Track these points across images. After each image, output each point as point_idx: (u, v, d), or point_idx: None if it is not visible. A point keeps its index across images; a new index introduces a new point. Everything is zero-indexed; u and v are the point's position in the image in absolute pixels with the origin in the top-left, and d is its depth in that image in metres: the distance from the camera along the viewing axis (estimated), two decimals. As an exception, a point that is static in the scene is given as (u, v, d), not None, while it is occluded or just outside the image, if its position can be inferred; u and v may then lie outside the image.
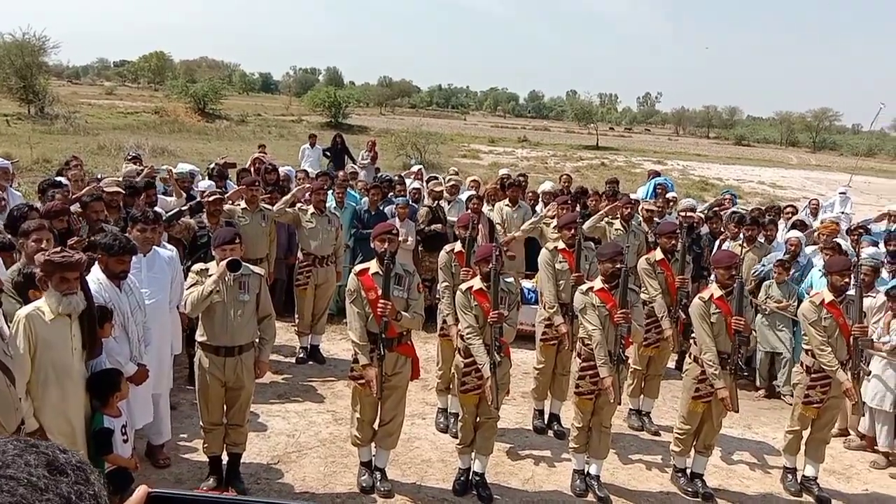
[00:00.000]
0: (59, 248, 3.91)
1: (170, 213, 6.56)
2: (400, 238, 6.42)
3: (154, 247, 5.21)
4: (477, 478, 5.13)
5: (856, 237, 8.43)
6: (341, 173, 10.16)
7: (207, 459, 5.00)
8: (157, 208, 6.54)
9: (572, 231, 6.10)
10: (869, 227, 9.69)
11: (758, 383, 7.62)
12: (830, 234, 7.95)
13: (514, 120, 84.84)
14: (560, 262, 6.10)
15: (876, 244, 8.02)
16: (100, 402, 4.07)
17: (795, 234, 7.89)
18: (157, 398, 5.09)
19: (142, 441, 5.19)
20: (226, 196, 7.45)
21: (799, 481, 5.54)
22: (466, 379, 5.01)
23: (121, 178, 7.59)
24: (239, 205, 7.40)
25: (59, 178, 7.54)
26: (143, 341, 4.57)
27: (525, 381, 6.93)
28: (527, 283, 8.06)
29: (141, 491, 0.92)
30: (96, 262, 4.42)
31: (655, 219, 8.18)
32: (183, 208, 7.14)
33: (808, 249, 8.02)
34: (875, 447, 6.25)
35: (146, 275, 5.03)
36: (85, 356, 3.95)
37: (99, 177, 8.48)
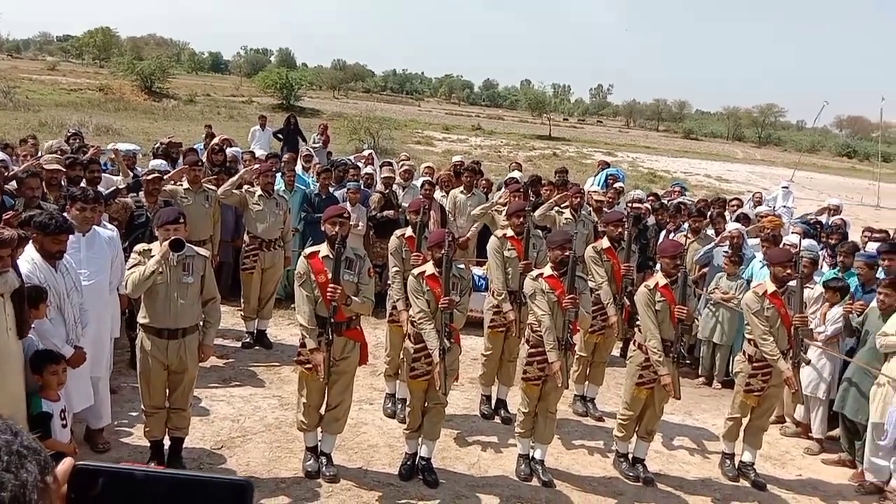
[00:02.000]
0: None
1: (107, 192, 6.37)
2: (351, 223, 6.37)
3: (94, 226, 5.05)
4: (423, 462, 5.14)
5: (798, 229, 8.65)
6: (287, 156, 9.98)
7: (149, 444, 4.89)
8: (99, 187, 6.35)
9: (521, 219, 6.13)
10: (807, 221, 9.99)
11: (699, 372, 7.81)
12: (774, 227, 8.16)
13: (468, 108, 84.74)
14: (509, 249, 6.13)
15: (807, 231, 8.23)
16: (38, 385, 3.95)
17: (735, 226, 8.07)
18: (97, 381, 4.95)
19: (80, 425, 5.05)
20: (168, 175, 7.27)
21: (737, 467, 5.70)
22: (416, 364, 5.01)
23: (48, 154, 7.31)
24: (181, 185, 7.22)
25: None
26: (79, 323, 4.43)
27: (473, 367, 6.96)
28: (477, 270, 8.08)
29: (66, 463, 0.89)
30: (30, 241, 4.26)
31: (604, 209, 8.29)
32: (120, 186, 6.95)
33: (752, 242, 8.22)
34: (809, 434, 6.48)
35: (85, 255, 4.88)
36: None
37: (39, 154, 8.18)
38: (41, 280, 4.10)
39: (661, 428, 5.86)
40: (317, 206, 8.40)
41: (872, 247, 7.48)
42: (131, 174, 7.86)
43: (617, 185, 10.46)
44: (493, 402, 6.41)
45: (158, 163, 7.81)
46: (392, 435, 5.75)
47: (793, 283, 5.41)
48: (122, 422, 5.47)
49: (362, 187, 9.00)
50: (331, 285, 4.66)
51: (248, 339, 7.44)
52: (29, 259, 4.14)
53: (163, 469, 0.93)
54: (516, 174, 10.25)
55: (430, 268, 5.00)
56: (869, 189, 29.08)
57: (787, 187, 13.94)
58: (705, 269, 7.98)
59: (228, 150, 9.68)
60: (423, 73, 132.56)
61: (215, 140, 10.58)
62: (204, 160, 8.40)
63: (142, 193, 6.73)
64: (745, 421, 5.65)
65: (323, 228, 4.97)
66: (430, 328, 4.85)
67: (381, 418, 6.08)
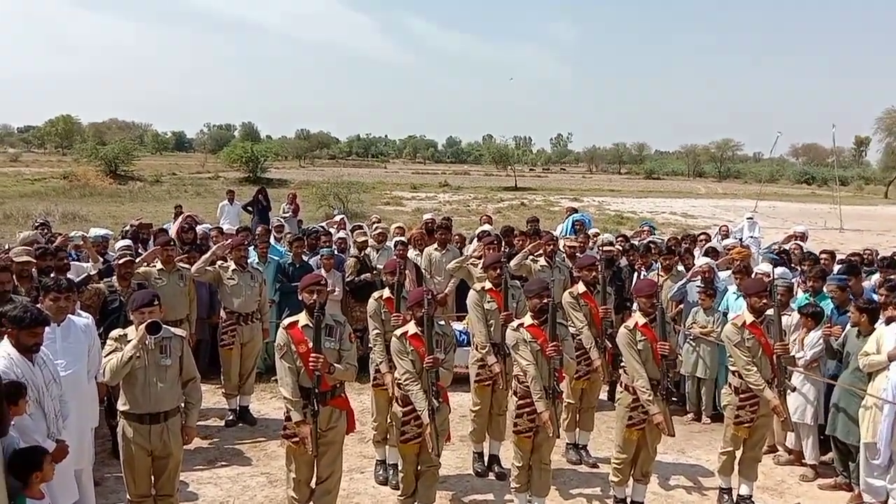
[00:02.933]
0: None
1: (78, 279, 6.30)
2: (327, 289, 6.35)
3: (69, 315, 4.98)
4: (421, 528, 5.03)
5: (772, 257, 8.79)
6: (260, 227, 9.99)
7: (136, 536, 4.73)
8: (69, 275, 6.27)
9: (498, 271, 6.17)
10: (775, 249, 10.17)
11: (687, 408, 7.81)
12: (743, 258, 8.29)
13: (434, 166, 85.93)
14: (489, 301, 6.14)
15: (778, 262, 8.38)
16: (21, 484, 3.81)
17: (705, 260, 8.20)
18: (80, 474, 4.80)
19: (63, 523, 4.87)
20: (140, 258, 7.23)
21: (735, 501, 5.66)
22: (406, 428, 4.95)
23: (20, 246, 7.24)
24: (155, 266, 7.18)
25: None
26: (60, 416, 4.31)
27: (462, 424, 6.88)
28: (458, 326, 8.07)
29: None
30: (5, 337, 4.18)
31: (577, 254, 8.37)
32: (91, 273, 6.88)
33: (723, 274, 8.34)
34: (803, 461, 6.47)
35: (61, 345, 4.79)
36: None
37: (7, 247, 8.09)
38: (18, 375, 4.01)
39: (656, 468, 5.82)
40: (291, 276, 8.37)
41: (837, 269, 7.64)
42: (101, 259, 7.79)
43: (592, 231, 10.59)
44: (486, 458, 6.33)
45: (124, 243, 7.78)
46: (386, 503, 5.63)
47: (770, 311, 5.48)
48: (107, 514, 5.30)
49: (336, 252, 9.00)
50: (313, 355, 4.62)
51: (231, 417, 7.30)
52: (5, 354, 4.05)
53: None
54: (487, 227, 10.35)
55: (412, 328, 4.99)
56: (830, 213, 29.78)
57: (751, 218, 14.20)
58: (681, 306, 8.05)
59: (198, 228, 9.66)
60: (386, 135, 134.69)
61: (180, 219, 10.57)
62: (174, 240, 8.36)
63: (114, 278, 6.66)
64: (738, 454, 5.64)
65: (300, 297, 4.95)
66: (418, 389, 4.81)
67: (374, 486, 5.96)
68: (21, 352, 4.11)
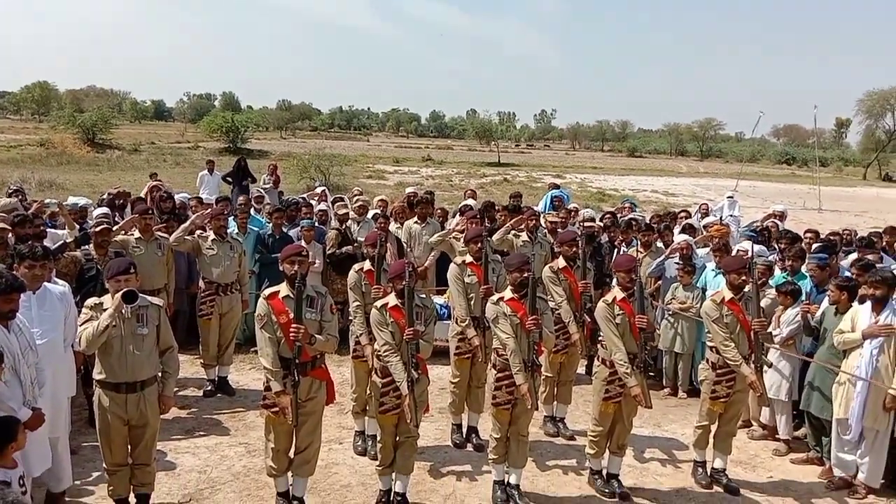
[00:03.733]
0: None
1: (54, 247, 6.21)
2: (309, 262, 6.32)
3: (44, 283, 4.91)
4: (398, 498, 5.07)
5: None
6: (242, 198, 9.91)
7: (113, 503, 4.73)
8: (45, 243, 6.18)
9: (479, 245, 6.17)
10: (757, 227, 10.27)
11: (664, 383, 7.91)
12: (722, 236, 8.36)
13: (417, 140, 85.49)
14: (469, 275, 6.15)
15: (752, 238, 8.45)
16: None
17: (683, 237, 8.26)
18: (55, 442, 4.77)
19: (40, 490, 4.86)
20: (118, 226, 7.14)
21: (709, 474, 5.75)
22: (385, 399, 4.96)
23: (6, 215, 7.14)
24: (132, 234, 7.10)
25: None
26: (36, 384, 4.27)
27: (442, 396, 6.92)
28: (438, 299, 8.09)
29: None
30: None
31: (559, 229, 8.39)
32: (68, 241, 6.79)
33: (702, 252, 8.41)
34: (776, 436, 6.59)
35: (37, 313, 4.73)
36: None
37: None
38: (-8, 342, 3.96)
39: (632, 441, 5.89)
40: (271, 247, 8.33)
41: (815, 248, 7.72)
42: (78, 227, 7.69)
43: (571, 206, 10.61)
44: (465, 430, 6.37)
45: (102, 211, 7.67)
46: (364, 473, 5.66)
47: (748, 288, 5.53)
48: (84, 483, 5.28)
49: (316, 224, 8.96)
50: (294, 325, 4.60)
51: (209, 387, 7.28)
52: (-22, 321, 3.99)
53: None
54: (470, 201, 10.34)
55: (392, 299, 4.98)
56: (810, 193, 30.07)
57: (731, 197, 14.33)
58: (659, 282, 8.12)
59: (176, 196, 9.56)
60: (369, 108, 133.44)
61: (145, 188, 10.48)
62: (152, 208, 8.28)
63: (91, 246, 6.58)
64: (713, 428, 5.72)
65: (281, 268, 4.91)
66: (397, 360, 4.82)
67: (353, 457, 5.99)
68: (-5, 318, 4.05)
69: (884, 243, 8.81)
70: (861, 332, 5.53)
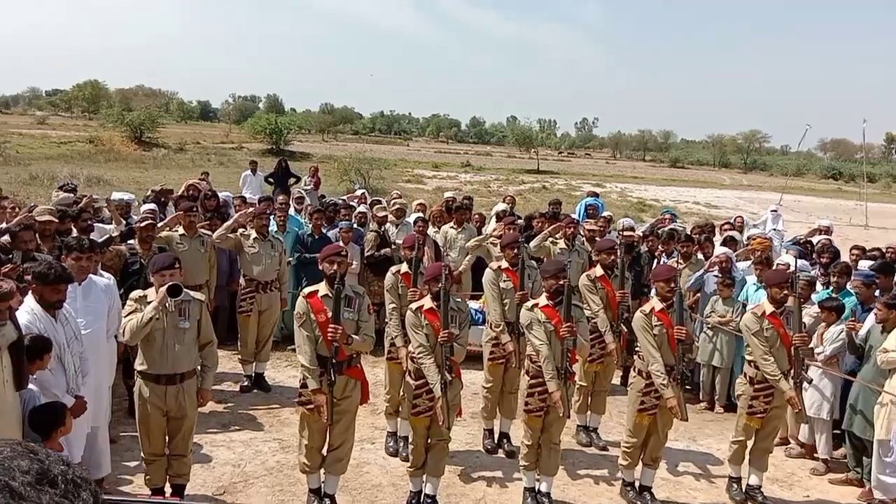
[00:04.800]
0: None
1: (101, 240, 6.38)
2: (348, 262, 6.38)
3: (90, 275, 5.05)
4: (429, 500, 5.08)
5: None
6: (281, 197, 10.03)
7: (150, 492, 4.83)
8: (92, 236, 6.35)
9: (516, 250, 6.17)
10: (801, 240, 10.07)
11: (700, 396, 7.80)
12: (763, 249, 8.22)
13: (456, 145, 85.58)
14: (505, 281, 6.15)
15: (799, 253, 8.29)
16: (41, 437, 3.89)
17: (723, 250, 8.14)
18: (96, 431, 4.90)
19: (79, 477, 4.97)
20: (162, 223, 7.30)
21: (744, 490, 5.66)
22: (417, 401, 4.98)
23: (53, 207, 7.36)
24: (177, 231, 7.25)
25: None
26: (80, 372, 4.40)
27: (474, 401, 6.92)
28: (473, 304, 8.09)
29: None
30: (29, 292, 4.25)
31: (597, 238, 8.34)
32: (114, 234, 6.96)
33: (742, 265, 8.28)
34: (814, 455, 6.44)
35: (82, 304, 4.86)
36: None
37: (31, 206, 8.20)
38: (41, 330, 4.08)
39: (666, 455, 5.82)
40: (310, 247, 8.42)
41: (864, 264, 7.54)
42: (124, 222, 7.88)
43: (607, 213, 10.54)
44: (496, 436, 6.37)
45: (148, 207, 7.85)
46: (395, 474, 5.69)
47: (790, 303, 5.44)
48: (122, 471, 5.40)
49: (355, 226, 9.04)
50: (332, 325, 4.66)
51: (246, 383, 7.39)
52: (28, 310, 4.13)
53: (182, 502, 0.93)
54: (502, 206, 10.34)
55: (428, 302, 5.01)
56: (856, 209, 29.32)
57: (776, 210, 14.07)
58: (697, 295, 8.01)
59: (221, 195, 9.73)
60: (410, 113, 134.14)
61: (183, 186, 10.65)
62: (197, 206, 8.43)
63: (136, 241, 6.74)
64: (749, 444, 5.62)
65: (321, 267, 4.98)
66: (431, 362, 4.84)
67: (384, 457, 6.03)
68: (44, 308, 4.19)
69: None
70: (907, 351, 5.39)
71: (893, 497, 5.52)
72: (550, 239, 7.74)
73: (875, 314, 5.93)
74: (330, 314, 4.70)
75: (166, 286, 4.52)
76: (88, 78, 76.67)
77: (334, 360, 4.72)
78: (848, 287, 6.92)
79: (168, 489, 4.84)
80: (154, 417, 4.66)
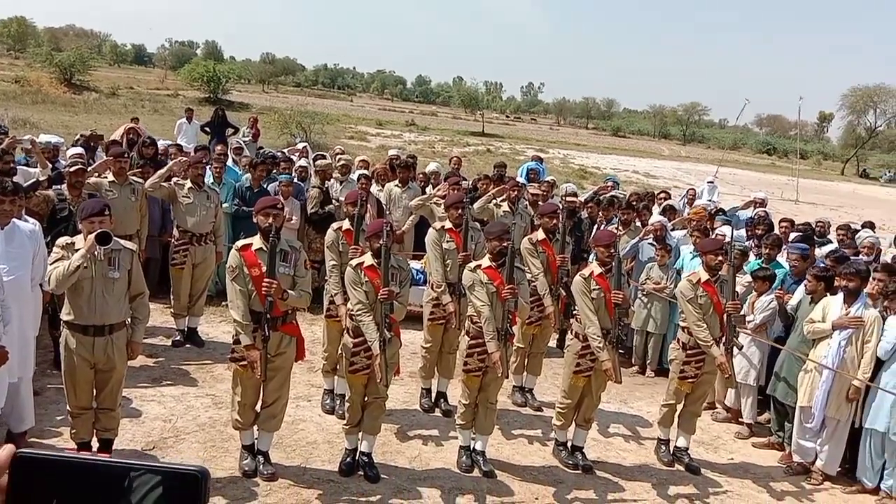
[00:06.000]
0: None
1: (27, 184, 6.06)
2: (284, 216, 6.23)
3: (13, 220, 4.79)
4: (364, 458, 5.07)
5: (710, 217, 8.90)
6: (220, 147, 9.72)
7: (75, 446, 4.67)
8: (16, 179, 6.02)
9: (459, 210, 6.12)
10: (737, 213, 10.35)
11: (633, 361, 7.99)
12: (700, 219, 8.41)
13: (401, 104, 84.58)
14: (447, 241, 6.11)
15: (729, 223, 8.53)
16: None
17: (658, 218, 8.29)
18: (19, 382, 4.70)
19: (1, 429, 4.78)
20: (91, 168, 6.97)
21: (672, 452, 5.84)
22: (355, 359, 4.92)
23: None
24: (106, 177, 6.93)
25: None
26: (1, 321, 4.19)
27: (413, 361, 6.92)
28: (415, 264, 8.04)
29: (6, 450, 0.81)
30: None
31: (540, 202, 8.36)
32: (41, 178, 6.62)
33: (677, 234, 8.45)
34: (739, 419, 6.69)
35: (4, 249, 4.62)
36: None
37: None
38: (-45, 275, 3.86)
39: (598, 416, 5.94)
40: (248, 200, 8.19)
41: (793, 237, 7.79)
42: (51, 166, 7.50)
43: (549, 178, 10.58)
44: (434, 395, 6.39)
45: (77, 151, 7.50)
46: (331, 431, 5.66)
47: (724, 272, 5.57)
48: (46, 424, 5.20)
49: (295, 180, 8.83)
50: (266, 279, 4.54)
51: (178, 338, 7.20)
52: (-58, 254, 3.89)
53: (110, 457, 0.85)
54: (433, 166, 10.29)
55: (368, 259, 4.93)
56: (788, 184, 30.31)
57: (712, 182, 14.44)
58: (633, 263, 8.16)
59: (158, 143, 9.37)
60: (354, 68, 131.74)
61: (120, 129, 10.24)
62: (135, 155, 8.12)
63: (64, 186, 6.42)
64: (679, 407, 5.79)
65: (255, 220, 4.84)
66: (370, 320, 4.78)
67: (320, 415, 5.98)
68: (-39, 252, 3.94)
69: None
70: (831, 322, 5.60)
71: (810, 460, 5.79)
72: (494, 201, 7.72)
73: (805, 285, 6.14)
74: (264, 268, 4.58)
75: (95, 233, 4.31)
76: (14, 14, 72.48)
77: (269, 316, 4.61)
78: (779, 259, 7.14)
79: (95, 444, 4.69)
80: (81, 370, 4.48)
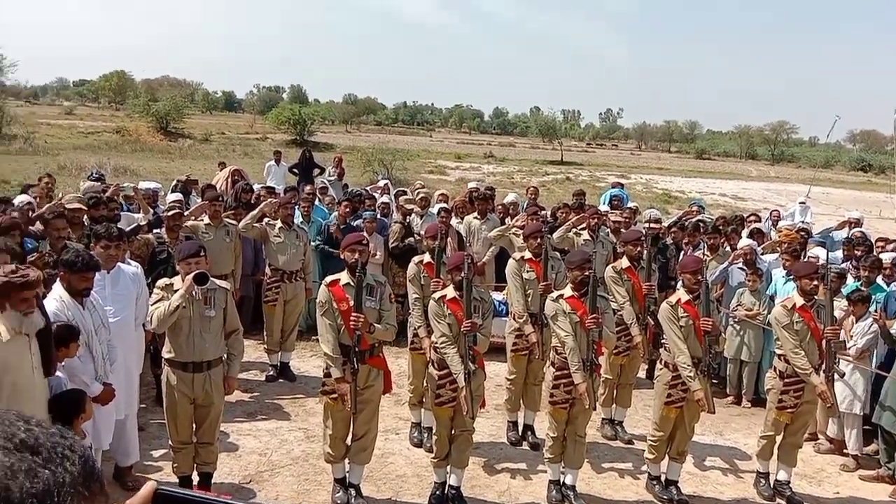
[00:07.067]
0: (14, 267, 3.77)
1: (128, 229, 6.44)
2: (369, 251, 6.37)
3: (118, 263, 5.10)
4: (453, 492, 5.07)
5: (803, 240, 8.54)
6: (309, 188, 10.07)
7: (177, 480, 4.87)
8: (120, 225, 6.41)
9: (538, 240, 6.12)
10: (831, 234, 9.92)
11: (728, 391, 7.70)
12: (791, 241, 8.09)
13: (479, 136, 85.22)
14: (527, 271, 6.11)
15: (822, 244, 8.17)
16: (62, 425, 3.91)
17: (747, 242, 8.02)
18: (125, 418, 4.96)
19: (109, 463, 5.05)
20: (188, 212, 7.35)
21: (772, 486, 5.58)
22: (441, 391, 4.97)
23: (82, 195, 7.44)
24: (202, 220, 7.30)
25: (17, 197, 7.40)
26: (107, 359, 4.44)
27: (498, 393, 6.90)
28: (497, 295, 8.05)
29: (149, 487, 0.90)
30: (58, 280, 4.30)
31: (622, 229, 8.26)
32: (141, 223, 7.03)
33: (768, 258, 8.15)
34: (844, 450, 6.34)
35: (110, 292, 4.91)
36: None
37: (61, 195, 8.31)
38: (69, 318, 4.13)
39: (693, 449, 5.76)
40: (334, 238, 8.43)
41: (886, 256, 7.40)
42: (152, 211, 7.95)
43: (631, 204, 10.44)
44: (520, 427, 6.34)
45: (176, 196, 7.92)
46: (420, 464, 5.69)
47: (821, 296, 5.34)
48: (149, 459, 5.46)
49: (378, 216, 9.04)
50: (353, 313, 4.66)
51: (271, 373, 7.44)
52: (57, 297, 4.17)
53: (233, 499, 0.92)
54: (511, 196, 10.30)
55: (450, 291, 4.99)
56: (886, 202, 28.77)
57: (804, 203, 13.87)
58: (723, 289, 7.91)
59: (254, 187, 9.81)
60: (433, 103, 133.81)
61: (225, 171, 10.71)
62: (230, 199, 8.54)
63: (163, 229, 6.80)
64: (778, 439, 5.54)
65: (342, 256, 4.99)
66: (454, 352, 4.82)
67: (408, 448, 6.03)
68: (72, 295, 4.23)
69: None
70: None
71: (926, 494, 5.42)
72: (574, 230, 7.67)
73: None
74: (352, 303, 4.70)
75: (192, 274, 4.54)
76: (115, 69, 77.33)
77: (357, 349, 4.72)
78: (878, 281, 6.79)
79: (195, 477, 4.88)
80: (181, 405, 4.70)
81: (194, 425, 4.82)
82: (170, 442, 4.85)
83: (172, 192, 9.26)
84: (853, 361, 6.16)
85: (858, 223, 10.47)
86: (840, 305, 6.42)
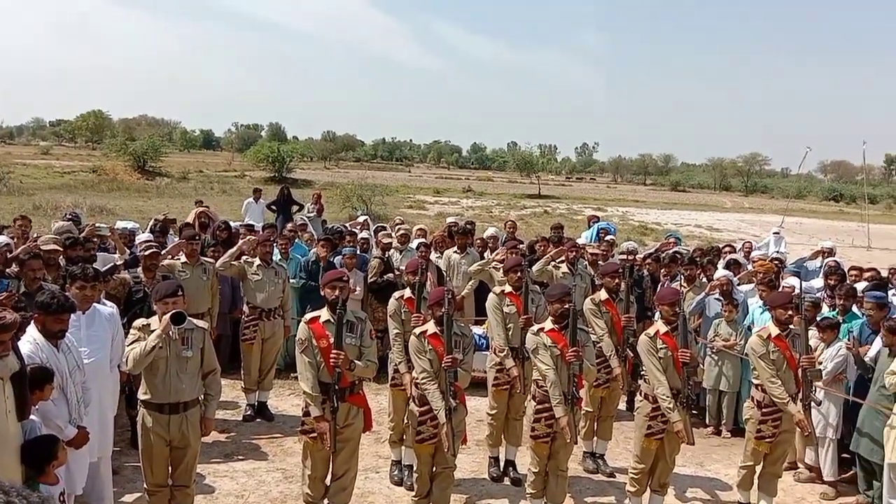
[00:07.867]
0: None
1: (104, 269, 6.38)
2: (350, 288, 6.36)
3: (94, 304, 5.04)
4: (434, 529, 5.01)
5: (777, 270, 8.66)
6: (289, 225, 10.07)
7: (152, 525, 4.77)
8: (95, 265, 6.35)
9: (518, 274, 6.15)
10: (805, 264, 10.06)
11: (707, 421, 7.72)
12: (767, 271, 8.19)
13: (458, 171, 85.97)
14: (508, 305, 6.13)
15: (797, 274, 8.28)
16: (35, 472, 3.84)
17: (723, 272, 8.12)
18: (99, 461, 4.86)
19: (82, 509, 4.93)
20: (164, 251, 7.30)
21: (753, 515, 5.58)
22: (422, 428, 4.93)
23: (57, 236, 7.38)
24: (179, 259, 7.25)
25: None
26: (82, 402, 4.37)
27: (479, 428, 6.86)
28: (477, 329, 8.05)
29: None
30: (32, 321, 4.24)
31: (600, 262, 8.33)
32: (118, 263, 6.97)
33: (744, 288, 8.24)
34: (823, 478, 6.36)
35: (85, 333, 4.85)
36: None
37: (36, 236, 8.24)
38: (43, 360, 4.06)
39: (674, 480, 5.75)
40: (314, 274, 8.41)
41: (860, 286, 7.51)
42: (127, 251, 7.89)
43: (608, 237, 10.55)
44: (502, 463, 6.30)
45: (146, 236, 7.88)
46: (400, 503, 5.62)
47: (796, 325, 5.41)
48: (124, 501, 5.34)
49: (358, 252, 9.03)
50: (334, 351, 4.64)
51: (249, 412, 7.34)
52: (31, 339, 4.11)
53: None
54: (490, 230, 10.37)
55: (431, 327, 4.98)
56: (858, 231, 29.32)
57: (778, 233, 14.07)
58: (700, 320, 7.98)
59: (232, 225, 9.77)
60: (411, 139, 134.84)
61: (192, 213, 10.70)
62: (207, 237, 8.50)
63: (139, 269, 6.74)
64: (758, 469, 5.55)
65: (323, 293, 4.97)
66: (435, 388, 4.80)
67: (389, 486, 5.96)
68: (47, 337, 4.17)
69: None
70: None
71: (906, 521, 5.44)
72: (553, 263, 7.72)
73: (881, 338, 5.88)
74: (332, 340, 4.68)
75: (170, 314, 4.50)
76: (92, 108, 77.17)
77: (337, 387, 4.68)
78: (854, 310, 6.88)
79: (170, 521, 4.78)
80: (157, 447, 4.61)
81: (170, 468, 4.72)
82: (145, 485, 4.75)
83: (151, 231, 9.20)
84: (825, 388, 6.22)
85: (832, 252, 10.64)
86: (816, 334, 6.50)
